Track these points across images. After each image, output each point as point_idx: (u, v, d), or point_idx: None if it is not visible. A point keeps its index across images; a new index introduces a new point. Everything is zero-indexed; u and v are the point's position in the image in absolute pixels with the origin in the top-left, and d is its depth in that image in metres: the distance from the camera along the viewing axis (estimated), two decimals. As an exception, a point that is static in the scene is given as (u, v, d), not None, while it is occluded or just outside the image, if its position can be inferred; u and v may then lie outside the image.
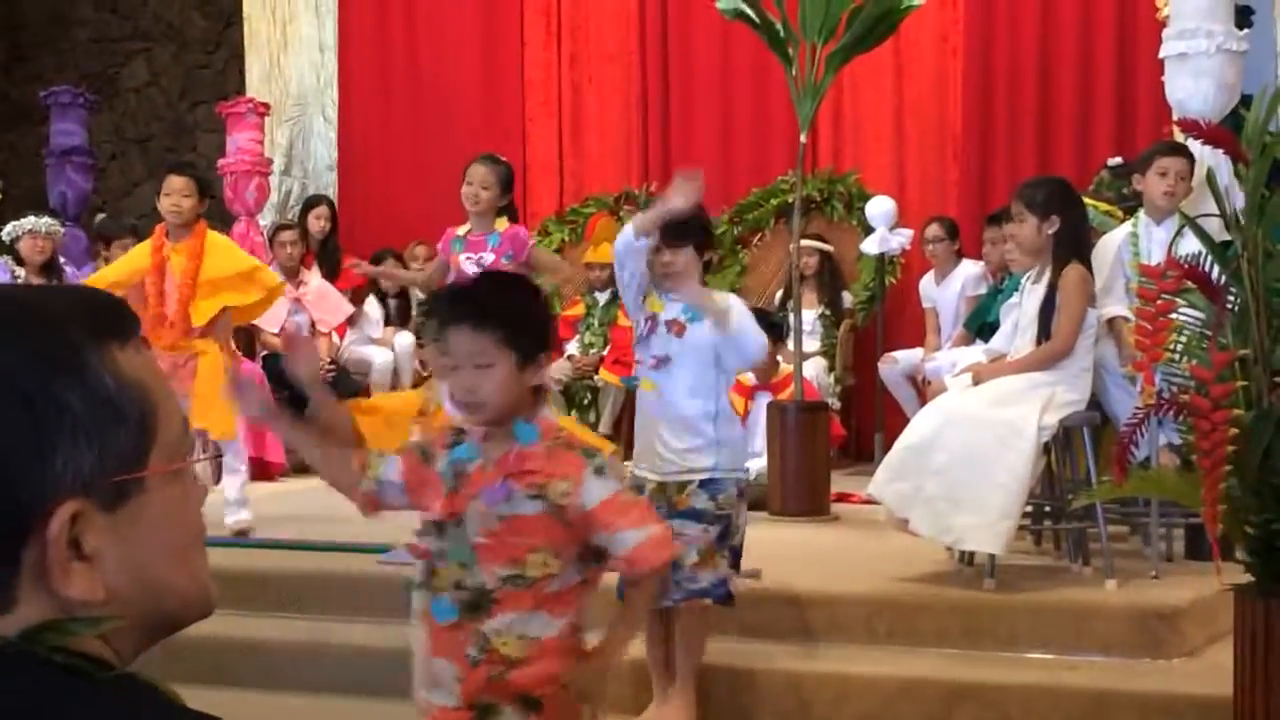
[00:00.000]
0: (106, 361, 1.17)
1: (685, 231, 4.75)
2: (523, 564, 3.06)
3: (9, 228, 9.00)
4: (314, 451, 3.40)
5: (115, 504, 1.16)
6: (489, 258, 6.46)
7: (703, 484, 4.70)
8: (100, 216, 10.97)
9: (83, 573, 1.14)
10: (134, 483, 1.17)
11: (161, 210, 7.02)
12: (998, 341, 6.21)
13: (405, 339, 9.97)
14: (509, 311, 3.15)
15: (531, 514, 3.07)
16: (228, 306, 6.94)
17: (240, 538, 6.76)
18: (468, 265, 6.47)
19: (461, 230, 6.67)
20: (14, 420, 1.12)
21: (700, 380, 4.76)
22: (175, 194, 6.94)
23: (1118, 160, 8.02)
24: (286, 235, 9.74)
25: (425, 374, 10.21)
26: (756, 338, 4.80)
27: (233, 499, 6.89)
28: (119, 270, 7.30)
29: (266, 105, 11.03)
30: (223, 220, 11.05)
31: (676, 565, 4.64)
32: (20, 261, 8.85)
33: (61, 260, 9.23)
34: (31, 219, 8.99)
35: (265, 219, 10.80)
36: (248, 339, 9.66)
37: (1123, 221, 6.56)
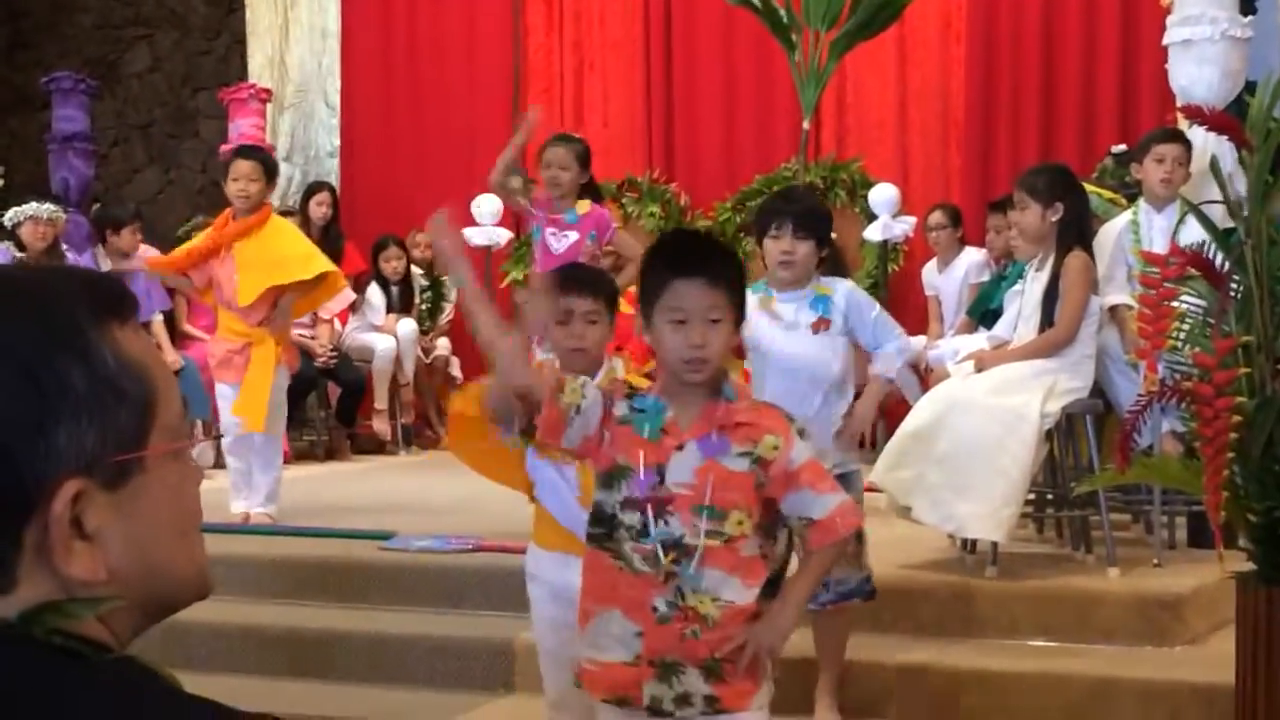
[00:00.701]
0: (108, 341, 1.17)
1: (814, 223, 4.67)
2: (724, 518, 3.03)
3: (11, 213, 8.99)
4: (495, 334, 3.15)
5: (116, 483, 1.17)
6: (573, 236, 6.40)
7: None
8: (95, 207, 10.95)
9: (84, 552, 1.14)
10: (135, 462, 1.18)
11: (229, 195, 6.91)
12: (1000, 328, 6.21)
13: (408, 326, 9.96)
14: (736, 269, 3.16)
15: (738, 470, 3.04)
16: (287, 294, 6.83)
17: (243, 524, 6.76)
18: (554, 241, 6.44)
19: (546, 212, 6.60)
20: (17, 398, 1.13)
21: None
22: (243, 179, 6.83)
23: (1121, 148, 8.01)
24: (291, 221, 9.72)
25: (428, 361, 10.22)
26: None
27: (266, 490, 6.85)
28: (184, 251, 7.21)
29: (268, 91, 11.02)
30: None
31: None
32: (22, 247, 8.84)
33: (64, 247, 9.21)
34: (34, 205, 8.98)
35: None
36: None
37: (1126, 209, 6.55)
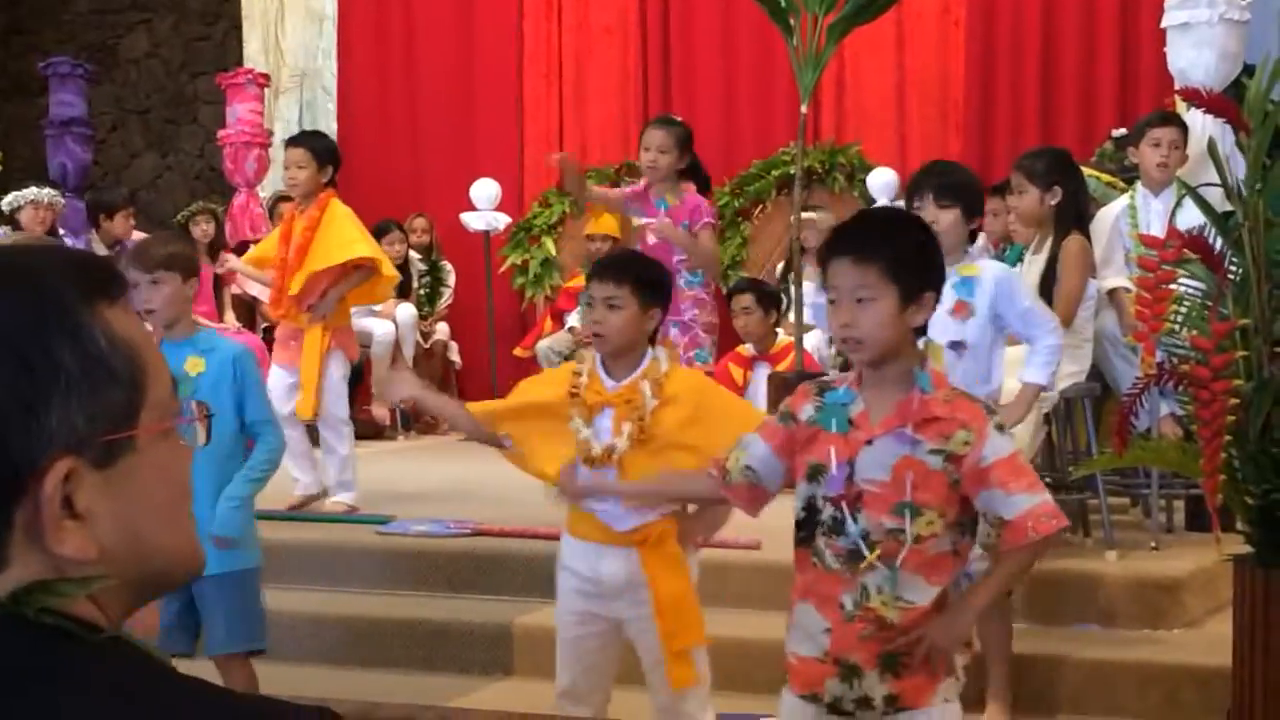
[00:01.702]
0: (98, 320, 1.17)
1: (957, 191, 4.58)
2: (913, 519, 2.95)
3: (10, 197, 8.98)
4: (668, 486, 3.49)
5: (107, 462, 1.16)
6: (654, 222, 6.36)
7: None
8: (87, 193, 10.96)
9: (75, 531, 1.14)
10: (125, 441, 1.18)
11: (285, 184, 6.91)
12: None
13: (406, 311, 9.95)
14: (892, 244, 3.02)
15: (931, 468, 2.95)
16: (336, 282, 6.69)
17: (347, 513, 6.65)
18: (648, 233, 6.42)
19: (640, 186, 6.59)
20: (7, 378, 1.12)
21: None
22: (291, 166, 6.76)
23: (1122, 131, 8.00)
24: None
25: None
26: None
27: (334, 480, 6.73)
28: (261, 249, 7.22)
29: (266, 76, 11.01)
30: (223, 191, 11.05)
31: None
32: (19, 231, 8.83)
33: (61, 231, 9.21)
34: (34, 189, 8.97)
35: (265, 191, 10.78)
36: (249, 311, 9.68)
37: (1124, 192, 6.55)
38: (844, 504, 2.98)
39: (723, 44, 10.46)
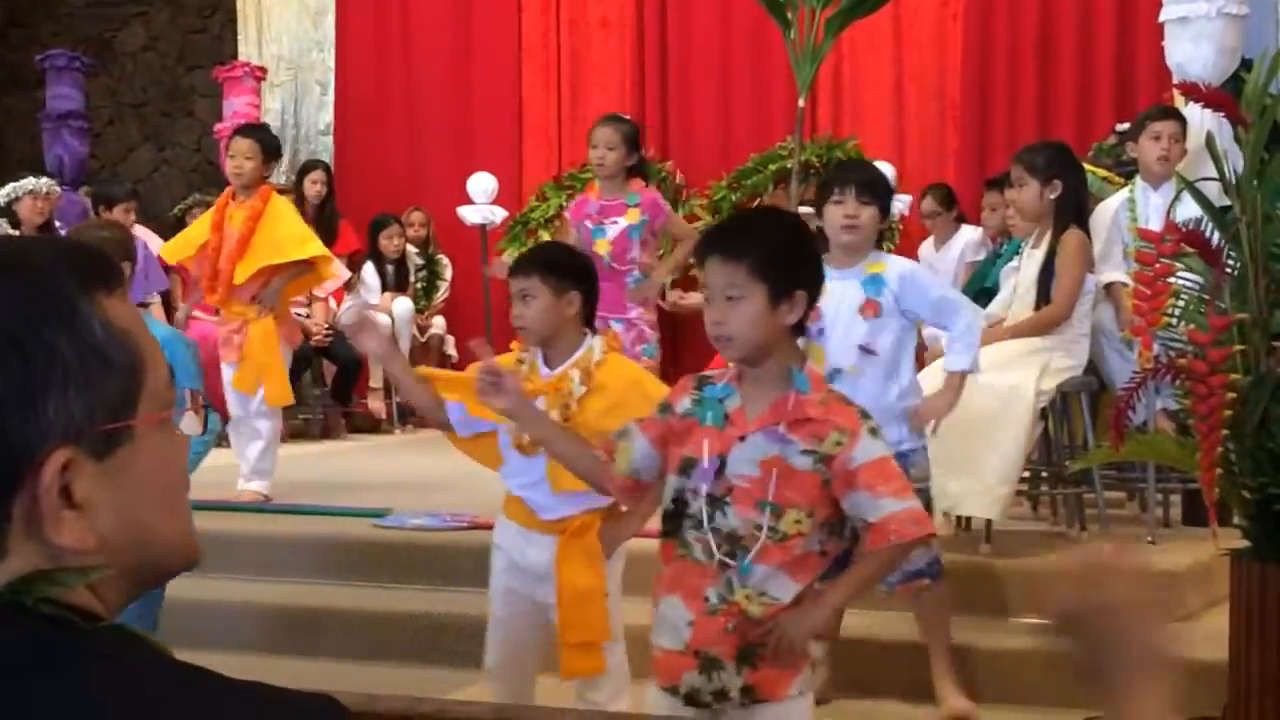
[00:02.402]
0: (96, 310, 1.17)
1: (877, 189, 4.63)
2: (780, 516, 2.96)
3: (8, 188, 8.95)
4: (558, 443, 3.38)
5: (105, 452, 1.16)
6: (628, 219, 6.38)
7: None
8: (83, 188, 10.95)
9: (74, 521, 1.14)
10: (123, 431, 1.17)
11: (227, 172, 7.02)
12: (996, 307, 6.20)
13: (403, 305, 9.95)
14: (762, 242, 3.03)
15: (800, 468, 2.96)
16: (278, 275, 6.83)
17: (262, 503, 6.73)
18: (611, 230, 6.44)
19: (592, 197, 6.60)
20: (4, 367, 1.12)
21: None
22: (239, 156, 6.89)
23: (1126, 126, 8.00)
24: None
25: (419, 336, 10.22)
26: None
27: (253, 467, 6.82)
28: (187, 233, 7.30)
29: (263, 69, 10.99)
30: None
31: None
32: (15, 224, 8.80)
33: (58, 224, 9.19)
34: (31, 179, 8.94)
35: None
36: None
37: (1122, 187, 6.55)
38: (713, 498, 3.00)
39: (720, 37, 10.46)
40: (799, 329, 3.06)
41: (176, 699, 1.11)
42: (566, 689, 4.19)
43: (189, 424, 1.29)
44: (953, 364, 4.70)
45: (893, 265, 4.72)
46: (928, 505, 4.61)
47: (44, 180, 9.04)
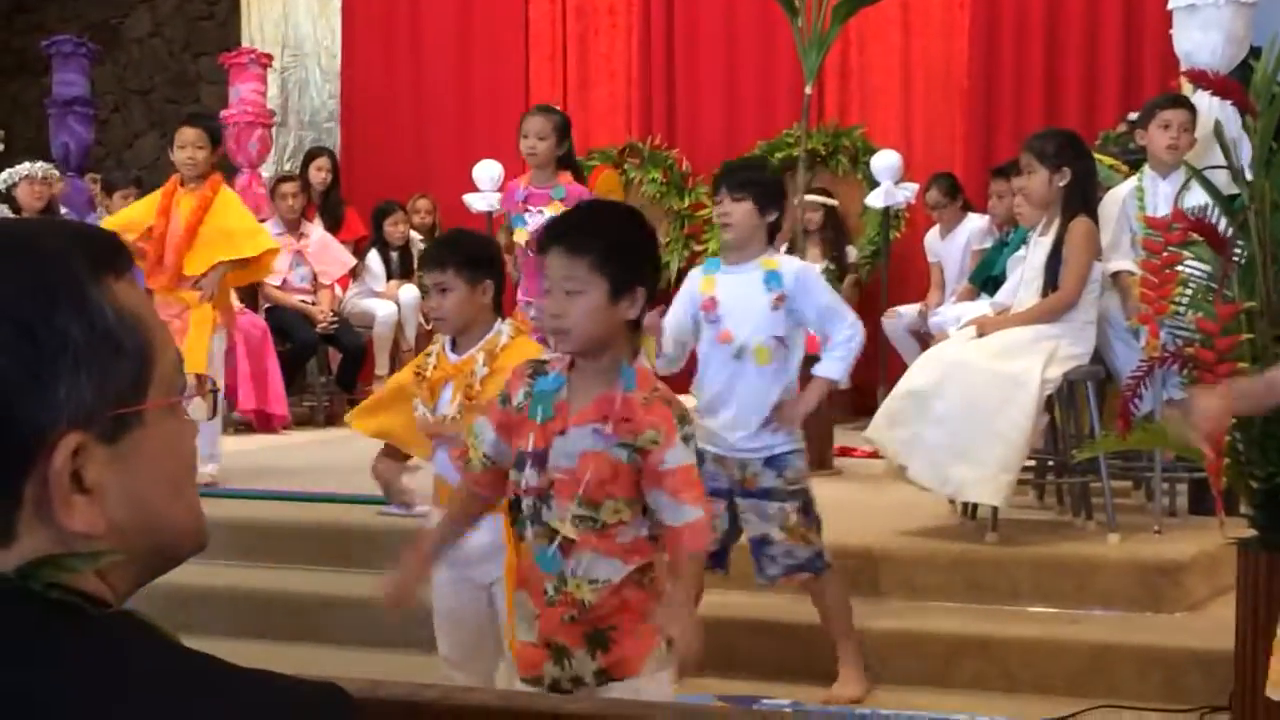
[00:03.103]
0: (106, 294, 1.17)
1: (748, 185, 4.69)
2: (597, 507, 2.99)
3: (5, 174, 8.93)
4: (450, 522, 3.44)
5: (116, 437, 1.16)
6: (550, 211, 6.40)
7: (767, 462, 4.69)
8: (88, 176, 10.95)
9: (84, 505, 1.14)
10: (133, 416, 1.17)
11: (176, 163, 7.04)
12: (1003, 295, 6.19)
13: (409, 292, 9.94)
14: (604, 237, 3.05)
15: (619, 461, 2.99)
16: (222, 263, 6.92)
17: (209, 486, 6.69)
18: (533, 220, 6.47)
19: (522, 183, 6.65)
20: (16, 352, 1.12)
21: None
22: (189, 146, 6.96)
23: (1136, 115, 7.99)
24: (288, 187, 9.67)
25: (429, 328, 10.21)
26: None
27: (204, 451, 6.85)
28: (127, 215, 7.35)
29: (269, 56, 10.98)
30: (225, 172, 11.03)
31: (766, 541, 4.68)
32: (17, 211, 8.79)
33: (63, 210, 9.18)
34: (28, 165, 8.92)
35: (268, 171, 10.77)
36: (251, 293, 9.66)
37: (1128, 176, 6.53)
38: (535, 492, 3.03)
39: (727, 25, 10.43)
40: (636, 324, 3.09)
41: (183, 685, 1.11)
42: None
43: (197, 409, 1.28)
44: (825, 370, 4.74)
45: (787, 264, 4.81)
46: (808, 504, 4.72)
47: (40, 165, 9.02)
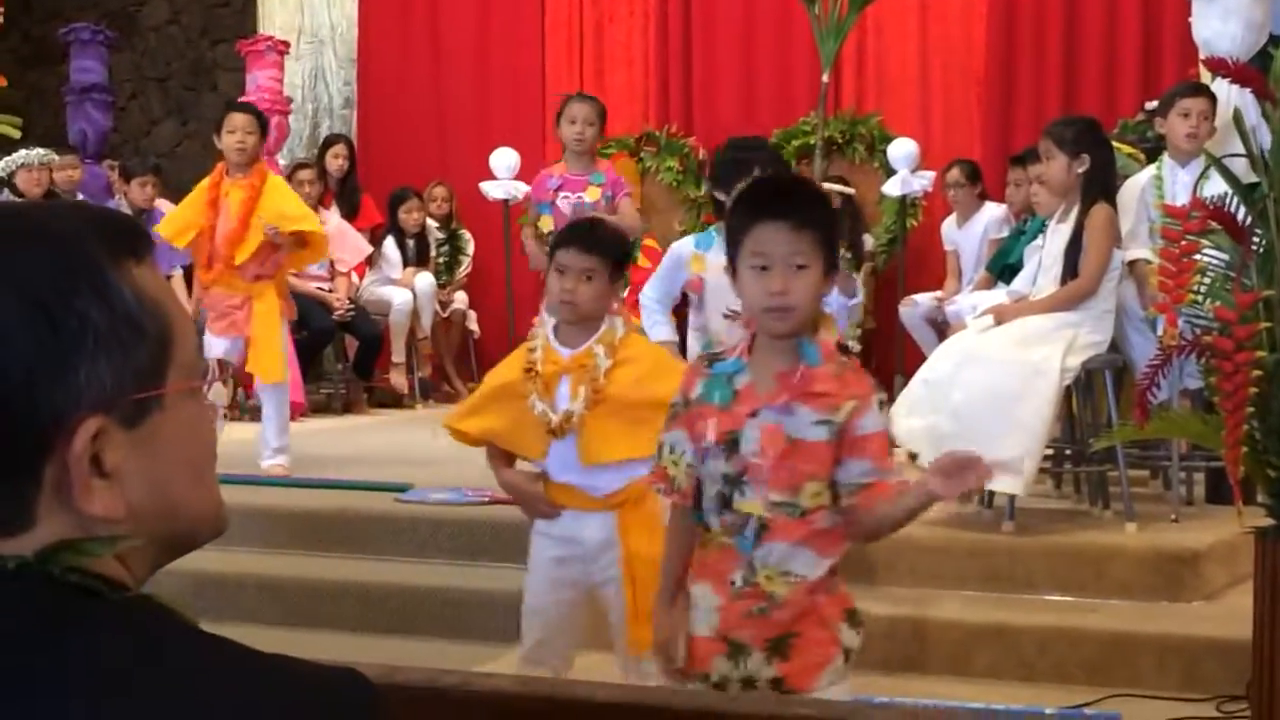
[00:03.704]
0: (126, 278, 1.17)
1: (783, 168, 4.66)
2: (798, 490, 2.91)
3: (3, 163, 8.92)
4: (678, 555, 3.16)
5: (136, 421, 1.16)
6: (590, 197, 6.37)
7: None
8: (105, 163, 10.97)
9: (104, 490, 1.14)
10: (153, 401, 1.17)
11: (225, 148, 6.81)
12: (1020, 283, 6.18)
13: (425, 280, 9.96)
14: (824, 214, 3.01)
15: (814, 440, 2.90)
16: (277, 251, 6.77)
17: (284, 477, 6.78)
18: (565, 205, 6.41)
19: (556, 170, 6.57)
20: (36, 336, 1.12)
21: None
22: (239, 131, 6.74)
23: (1155, 104, 7.97)
24: (305, 174, 9.67)
25: (445, 315, 10.23)
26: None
27: (275, 443, 6.85)
28: (181, 218, 7.12)
29: (286, 43, 10.99)
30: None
31: None
32: (19, 196, 8.78)
33: (80, 197, 9.19)
34: (23, 152, 8.92)
35: (283, 159, 10.79)
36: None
37: (1146, 165, 6.51)
38: (729, 479, 2.95)
39: (744, 12, 10.42)
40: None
41: (200, 669, 1.11)
42: (603, 663, 4.18)
43: (217, 394, 1.29)
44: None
45: None
46: None
47: (38, 151, 9.01)
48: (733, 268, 3.00)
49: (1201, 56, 6.25)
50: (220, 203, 6.77)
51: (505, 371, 4.12)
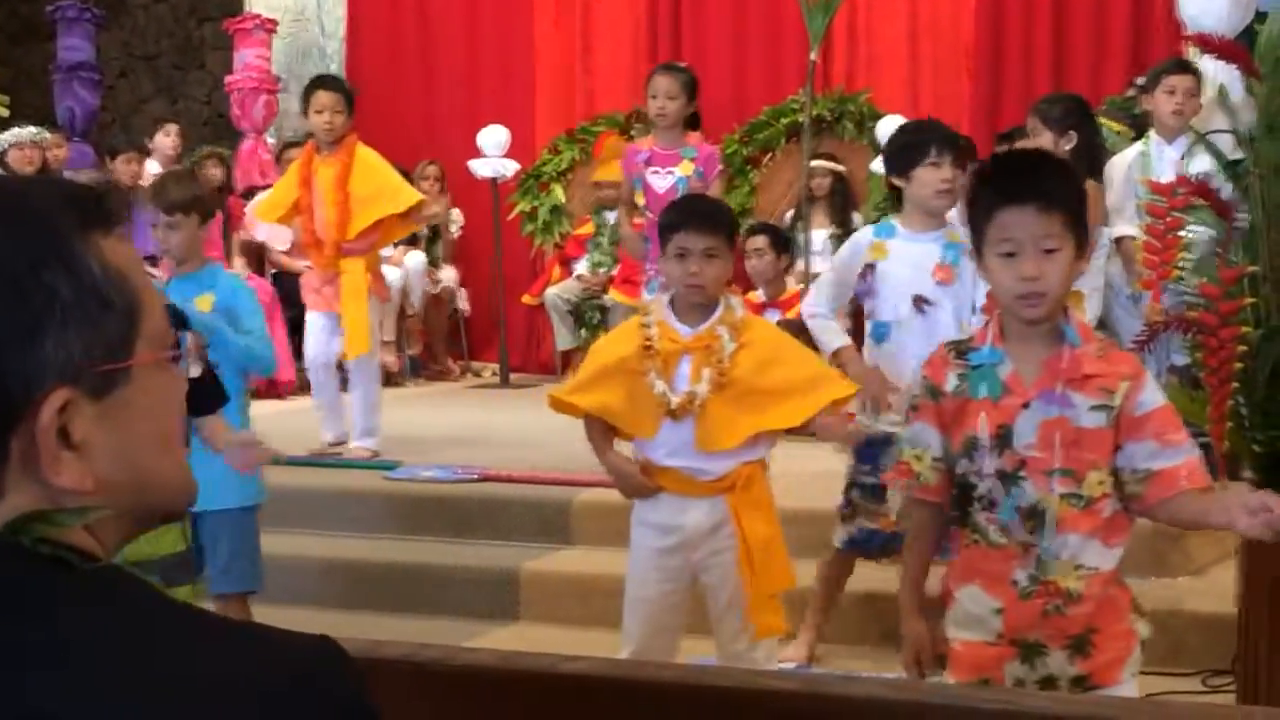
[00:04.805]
0: (93, 250, 1.17)
1: (965, 156, 4.54)
2: (1081, 481, 2.79)
3: None
4: (920, 560, 3.08)
5: (103, 393, 1.17)
6: (682, 171, 6.23)
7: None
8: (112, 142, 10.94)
9: (72, 462, 1.15)
10: (121, 372, 1.18)
11: (314, 128, 6.69)
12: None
13: (415, 258, 9.94)
14: (1071, 191, 2.85)
15: (1093, 426, 2.78)
16: (380, 223, 6.65)
17: (370, 459, 6.67)
18: (657, 181, 6.25)
19: (645, 145, 6.43)
20: (3, 307, 1.12)
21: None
22: (327, 110, 6.56)
23: (1143, 80, 7.97)
24: (294, 153, 9.60)
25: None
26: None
27: (361, 425, 6.76)
28: (273, 198, 7.09)
29: (274, 22, 10.96)
30: (230, 138, 11.03)
31: None
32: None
33: (67, 174, 9.18)
34: (14, 130, 8.91)
35: (273, 136, 10.77)
36: (257, 257, 9.67)
37: (1134, 141, 6.52)
38: (1004, 475, 2.82)
39: (733, -11, 10.40)
40: None
41: (166, 638, 1.11)
42: (701, 651, 4.12)
43: (190, 366, 1.29)
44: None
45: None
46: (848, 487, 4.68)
47: (28, 130, 9.00)
48: (978, 253, 2.88)
49: (1187, 33, 6.25)
50: (313, 181, 6.65)
51: (618, 346, 3.99)
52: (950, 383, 2.89)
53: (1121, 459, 2.82)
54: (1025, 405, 2.81)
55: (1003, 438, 2.82)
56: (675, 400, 3.79)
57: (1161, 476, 2.79)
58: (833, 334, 4.67)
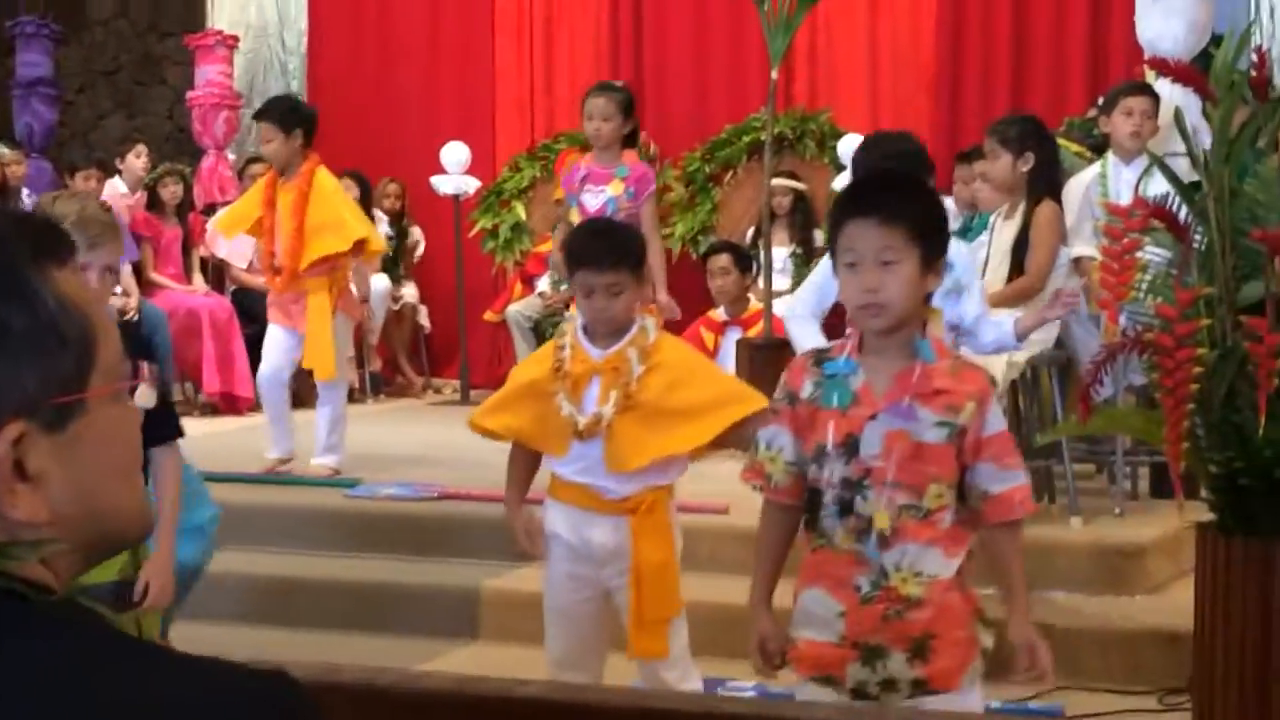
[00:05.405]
0: (47, 282, 1.16)
1: None
2: (921, 493, 2.87)
3: None
4: (771, 555, 3.12)
5: (58, 425, 1.16)
6: (613, 190, 6.26)
7: None
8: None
9: (27, 495, 1.14)
10: (76, 404, 1.17)
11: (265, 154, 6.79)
12: (966, 280, 6.20)
13: (379, 280, 9.90)
14: (917, 206, 2.93)
15: (934, 442, 2.86)
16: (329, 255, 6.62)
17: (330, 477, 6.65)
18: (589, 200, 6.30)
19: (583, 163, 6.48)
20: None
21: None
22: (261, 138, 6.66)
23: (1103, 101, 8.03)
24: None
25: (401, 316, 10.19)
26: None
27: (323, 442, 6.72)
28: (241, 207, 7.13)
29: (235, 37, 10.93)
30: (192, 153, 10.98)
31: None
32: None
33: (26, 192, 9.13)
34: None
35: (233, 152, 10.73)
36: (217, 274, 9.63)
37: (1092, 162, 6.56)
38: (849, 482, 2.89)
39: (695, 8, 10.41)
40: (928, 297, 2.96)
41: (117, 670, 1.11)
42: (630, 669, 4.13)
43: (142, 396, 1.28)
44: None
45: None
46: None
47: None
48: (835, 267, 2.97)
49: (1145, 56, 6.30)
50: (275, 203, 6.66)
51: (532, 368, 4.08)
52: (806, 390, 2.97)
53: (971, 476, 2.92)
54: (873, 416, 2.89)
55: (849, 447, 2.90)
56: (582, 421, 3.84)
57: (999, 500, 2.92)
58: (808, 336, 4.73)
